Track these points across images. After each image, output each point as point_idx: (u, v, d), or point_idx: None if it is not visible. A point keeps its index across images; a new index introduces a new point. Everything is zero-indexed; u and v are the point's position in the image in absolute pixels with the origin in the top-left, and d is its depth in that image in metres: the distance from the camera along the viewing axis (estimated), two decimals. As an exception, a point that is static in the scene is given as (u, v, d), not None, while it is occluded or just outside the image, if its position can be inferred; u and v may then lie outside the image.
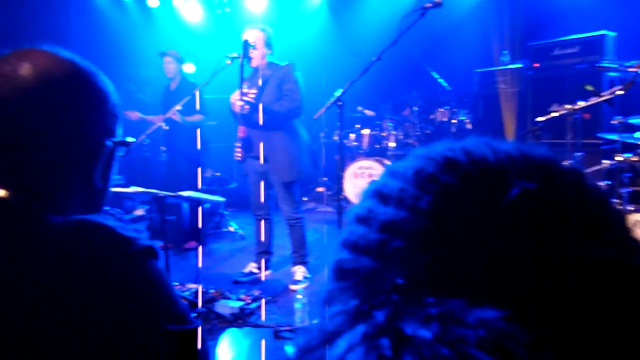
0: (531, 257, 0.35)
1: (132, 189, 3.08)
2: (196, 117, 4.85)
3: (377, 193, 0.42)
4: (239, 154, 3.71)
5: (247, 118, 3.62)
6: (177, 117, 4.67)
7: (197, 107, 4.75)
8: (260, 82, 3.70)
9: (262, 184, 3.85)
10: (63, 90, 0.77)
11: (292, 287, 3.75)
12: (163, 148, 4.91)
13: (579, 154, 3.85)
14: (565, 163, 0.40)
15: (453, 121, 6.35)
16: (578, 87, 4.86)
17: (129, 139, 0.89)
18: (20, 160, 0.75)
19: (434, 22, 3.32)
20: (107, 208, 0.89)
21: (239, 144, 3.69)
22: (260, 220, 3.99)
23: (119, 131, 0.87)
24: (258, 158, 3.75)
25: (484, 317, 0.32)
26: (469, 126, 6.30)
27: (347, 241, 0.40)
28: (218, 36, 6.99)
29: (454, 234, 0.36)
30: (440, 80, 6.54)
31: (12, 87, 0.74)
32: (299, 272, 3.85)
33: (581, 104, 3.52)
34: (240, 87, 3.56)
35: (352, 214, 0.43)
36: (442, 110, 6.42)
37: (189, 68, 7.06)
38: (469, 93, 6.49)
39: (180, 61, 4.95)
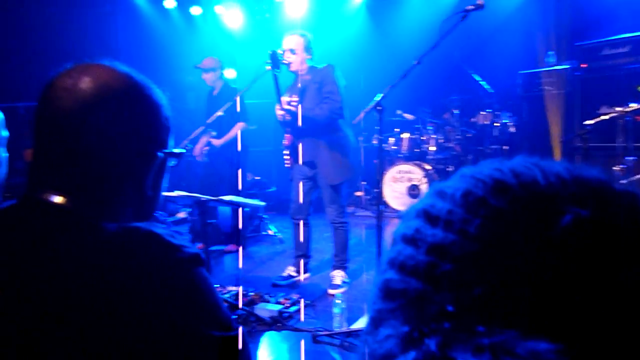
0: (585, 288, 0.34)
1: (176, 192, 3.18)
2: (236, 129, 4.89)
3: (424, 213, 0.41)
4: (288, 161, 3.77)
5: (292, 125, 3.67)
6: (215, 143, 4.82)
7: (238, 109, 4.83)
8: (299, 87, 3.74)
9: (302, 186, 3.88)
10: (120, 102, 0.81)
11: (331, 291, 3.75)
12: (205, 149, 5.01)
13: (630, 158, 3.69)
14: (619, 185, 0.39)
15: (495, 124, 6.21)
16: (629, 88, 4.66)
17: (180, 150, 0.92)
18: (78, 169, 0.79)
19: (476, 23, 3.25)
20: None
21: (287, 152, 3.75)
22: (298, 223, 4.01)
23: (170, 142, 0.90)
24: (305, 164, 3.78)
25: (537, 349, 0.31)
26: (512, 130, 6.15)
27: (395, 261, 0.40)
28: (259, 42, 7.09)
29: (504, 261, 0.35)
30: (482, 83, 6.41)
31: (73, 99, 0.78)
32: (338, 276, 3.85)
33: (633, 106, 3.37)
34: (278, 97, 3.60)
35: (398, 233, 0.43)
36: (484, 113, 6.29)
37: (230, 74, 7.20)
38: (512, 95, 6.33)
39: (213, 69, 5.02)
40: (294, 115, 3.62)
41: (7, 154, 1.15)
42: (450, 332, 0.34)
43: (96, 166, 0.79)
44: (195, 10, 7.35)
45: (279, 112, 3.61)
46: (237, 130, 4.87)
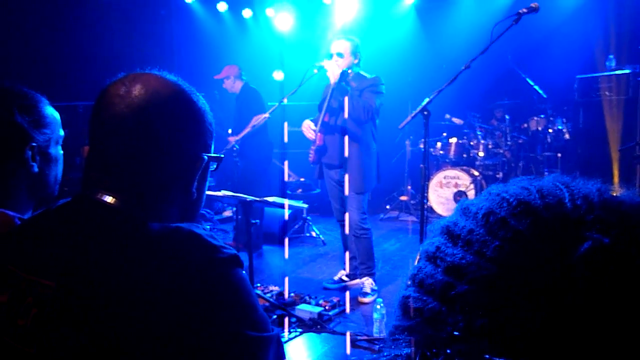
0: (600, 320, 0.32)
1: (222, 192, 3.25)
2: (252, 123, 4.82)
3: (447, 230, 0.42)
4: (312, 156, 3.83)
5: (325, 125, 3.72)
6: (231, 139, 4.91)
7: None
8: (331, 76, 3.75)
9: (335, 190, 3.93)
10: (169, 108, 0.85)
11: (361, 299, 3.74)
12: (236, 146, 5.10)
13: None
14: None
15: (549, 131, 6.00)
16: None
17: (220, 155, 0.95)
18: (129, 171, 0.84)
19: (531, 24, 3.16)
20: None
21: (314, 147, 3.79)
22: (344, 225, 4.02)
23: (212, 146, 0.94)
24: (333, 166, 3.83)
25: None
26: (567, 136, 5.92)
27: (415, 278, 0.40)
28: (307, 44, 7.15)
29: (519, 286, 0.35)
30: (536, 87, 6.20)
31: (126, 105, 0.83)
32: (367, 284, 3.84)
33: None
34: (321, 114, 3.68)
35: (422, 250, 0.43)
36: (537, 118, 6.08)
37: (278, 75, 7.30)
38: (567, 101, 6.09)
39: (224, 79, 5.16)
40: (319, 149, 3.74)
41: (62, 152, 1.22)
42: (455, 358, 0.33)
43: (146, 168, 0.84)
44: (247, 13, 7.50)
45: (310, 131, 3.73)
46: (253, 123, 4.80)
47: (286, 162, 5.82)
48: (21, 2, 5.18)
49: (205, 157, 0.90)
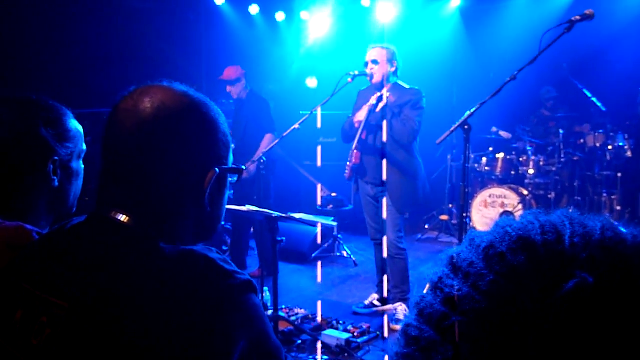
0: (578, 357, 0.35)
1: (247, 207, 3.31)
2: (264, 144, 4.73)
3: (451, 261, 0.45)
4: (348, 173, 3.88)
5: (363, 143, 3.74)
6: (251, 167, 4.62)
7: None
8: (380, 104, 3.76)
9: (371, 207, 3.93)
10: (177, 121, 0.90)
11: (393, 327, 3.72)
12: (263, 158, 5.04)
13: None
14: None
15: (609, 147, 5.85)
16: None
17: (240, 167, 1.00)
18: (140, 188, 0.89)
19: (588, 31, 3.12)
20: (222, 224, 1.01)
21: (350, 165, 3.82)
22: (379, 245, 4.01)
23: (230, 158, 0.98)
24: (371, 184, 3.84)
25: None
26: (628, 154, 5.76)
27: (417, 306, 0.44)
28: (343, 49, 7.21)
29: (507, 320, 0.38)
30: (594, 100, 6.07)
31: (133, 120, 0.89)
32: (400, 310, 3.82)
33: None
34: (358, 130, 3.73)
35: (428, 279, 0.47)
36: (595, 134, 5.95)
37: (311, 83, 7.39)
38: (630, 115, 5.94)
39: (238, 80, 4.94)
40: (369, 128, 3.70)
41: (83, 166, 1.29)
42: None
43: (156, 184, 0.89)
44: (279, 16, 7.64)
45: (359, 116, 3.74)
46: (266, 144, 4.69)
47: (319, 186, 5.83)
48: (50, 6, 5.45)
49: (217, 169, 0.94)
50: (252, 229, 5.15)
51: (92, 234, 0.89)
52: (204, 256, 0.83)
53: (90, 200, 0.94)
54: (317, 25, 7.53)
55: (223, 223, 1.02)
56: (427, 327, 0.42)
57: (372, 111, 3.73)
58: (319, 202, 6.06)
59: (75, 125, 1.26)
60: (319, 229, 5.35)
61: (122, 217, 0.88)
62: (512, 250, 0.42)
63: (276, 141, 4.21)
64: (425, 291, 0.48)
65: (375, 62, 3.75)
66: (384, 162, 3.72)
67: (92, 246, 0.87)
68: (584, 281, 0.37)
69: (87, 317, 0.79)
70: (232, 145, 1.00)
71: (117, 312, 0.78)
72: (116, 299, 0.79)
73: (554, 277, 0.38)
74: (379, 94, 3.67)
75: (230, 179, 1.01)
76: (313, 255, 5.53)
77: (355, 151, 3.81)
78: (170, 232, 0.89)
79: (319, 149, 5.15)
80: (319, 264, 5.37)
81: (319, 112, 4.60)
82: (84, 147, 1.28)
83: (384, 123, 3.67)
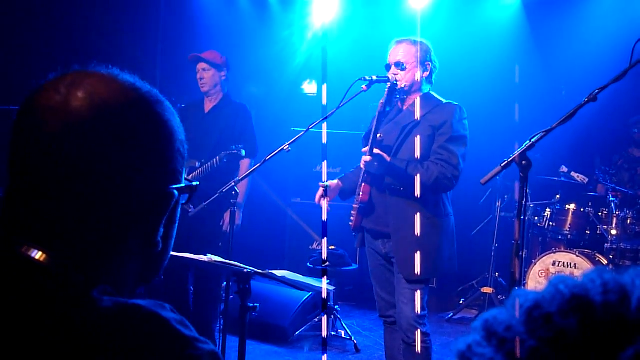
0: None
1: (208, 257, 3.28)
2: (243, 169, 4.74)
3: (485, 326, 0.49)
4: (354, 220, 3.82)
5: (374, 175, 3.68)
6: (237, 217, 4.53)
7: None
8: (400, 118, 3.77)
9: (381, 270, 3.86)
10: (121, 125, 0.91)
11: None
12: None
13: None
14: None
15: None
16: None
17: (193, 183, 1.01)
18: (67, 214, 0.88)
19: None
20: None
21: (356, 206, 3.78)
22: (391, 325, 3.96)
23: (184, 173, 0.99)
24: (380, 234, 3.77)
25: None
26: None
27: None
28: (356, 44, 7.28)
29: None
30: None
31: (61, 122, 0.88)
32: None
33: None
34: (373, 140, 3.63)
35: (456, 348, 0.51)
36: None
37: (309, 88, 7.44)
38: None
39: (218, 67, 4.91)
40: (381, 162, 3.61)
41: None
42: None
43: (89, 209, 0.89)
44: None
45: (367, 158, 3.62)
46: (244, 172, 4.60)
47: (313, 234, 5.81)
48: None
49: (176, 192, 0.95)
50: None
51: None
52: (154, 315, 0.83)
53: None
54: (325, 9, 7.61)
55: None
56: None
57: (381, 121, 3.71)
58: (311, 257, 6.04)
59: None
60: (307, 296, 5.31)
61: (37, 254, 0.86)
62: (563, 312, 0.45)
63: (255, 167, 4.13)
64: None
65: (400, 65, 3.70)
66: (401, 205, 3.66)
67: None
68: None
69: None
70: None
71: None
72: None
73: (609, 344, 0.41)
74: (388, 86, 3.66)
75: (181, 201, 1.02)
76: (297, 333, 5.48)
77: (363, 184, 3.76)
78: (106, 276, 0.89)
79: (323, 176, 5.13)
80: (305, 347, 5.31)
81: (324, 129, 4.55)
82: None
83: (407, 137, 3.65)
